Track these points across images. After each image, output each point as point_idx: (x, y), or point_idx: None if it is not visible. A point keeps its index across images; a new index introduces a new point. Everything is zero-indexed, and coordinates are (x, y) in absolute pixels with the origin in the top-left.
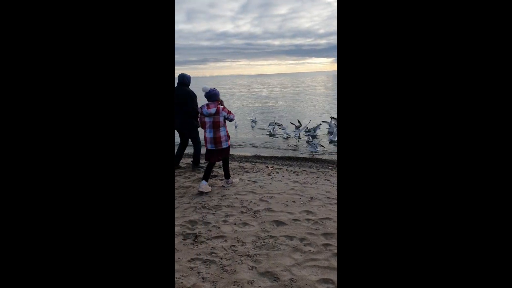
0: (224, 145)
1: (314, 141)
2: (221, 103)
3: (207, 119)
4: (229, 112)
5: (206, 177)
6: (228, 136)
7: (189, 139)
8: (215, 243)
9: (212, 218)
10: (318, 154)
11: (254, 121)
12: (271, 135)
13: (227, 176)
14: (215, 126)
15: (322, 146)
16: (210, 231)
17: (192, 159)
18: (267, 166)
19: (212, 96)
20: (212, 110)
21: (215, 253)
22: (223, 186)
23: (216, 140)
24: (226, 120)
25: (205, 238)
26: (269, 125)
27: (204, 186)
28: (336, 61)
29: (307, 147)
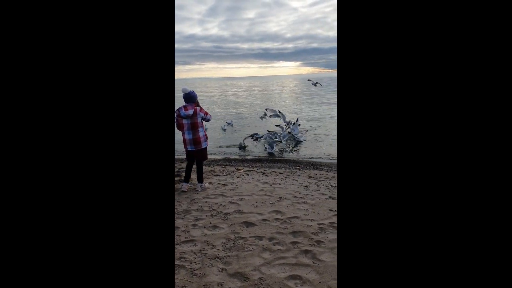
0: (203, 145)
1: (271, 142)
2: (198, 104)
3: (184, 121)
4: (206, 113)
5: (187, 179)
6: (206, 136)
7: None
8: (184, 247)
9: (181, 223)
10: (284, 155)
11: (230, 124)
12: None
13: (200, 180)
14: (193, 127)
15: (279, 141)
16: (179, 235)
17: None
18: (237, 169)
19: (192, 98)
20: (190, 111)
21: (184, 258)
22: (195, 189)
23: (195, 140)
24: (203, 121)
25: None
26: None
27: (186, 186)
28: (303, 65)
29: (265, 149)
